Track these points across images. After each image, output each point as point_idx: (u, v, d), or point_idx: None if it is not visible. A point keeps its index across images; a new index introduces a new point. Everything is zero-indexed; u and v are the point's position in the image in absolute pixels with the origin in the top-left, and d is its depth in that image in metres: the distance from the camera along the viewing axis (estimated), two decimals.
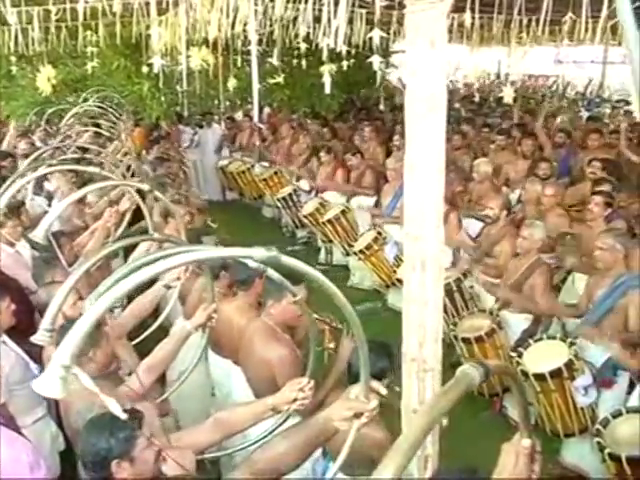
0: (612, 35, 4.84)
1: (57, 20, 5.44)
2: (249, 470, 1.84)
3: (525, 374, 3.87)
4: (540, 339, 4.14)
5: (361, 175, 7.57)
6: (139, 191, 3.99)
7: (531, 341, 4.14)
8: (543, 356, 3.94)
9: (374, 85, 10.00)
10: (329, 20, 3.42)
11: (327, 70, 4.21)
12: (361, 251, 6.38)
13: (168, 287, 3.36)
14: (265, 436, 2.34)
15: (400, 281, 5.29)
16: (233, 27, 4.66)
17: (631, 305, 3.87)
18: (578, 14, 3.88)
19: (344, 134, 9.55)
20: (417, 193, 2.11)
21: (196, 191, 8.58)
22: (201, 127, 10.72)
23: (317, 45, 4.81)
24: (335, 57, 4.98)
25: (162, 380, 3.35)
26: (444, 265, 2.59)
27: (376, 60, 3.75)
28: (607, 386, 3.92)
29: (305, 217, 7.59)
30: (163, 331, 3.52)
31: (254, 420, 2.24)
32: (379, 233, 6.33)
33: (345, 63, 6.38)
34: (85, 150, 5.56)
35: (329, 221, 7.06)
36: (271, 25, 5.85)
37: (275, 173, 8.72)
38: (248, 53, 7.81)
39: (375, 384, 1.80)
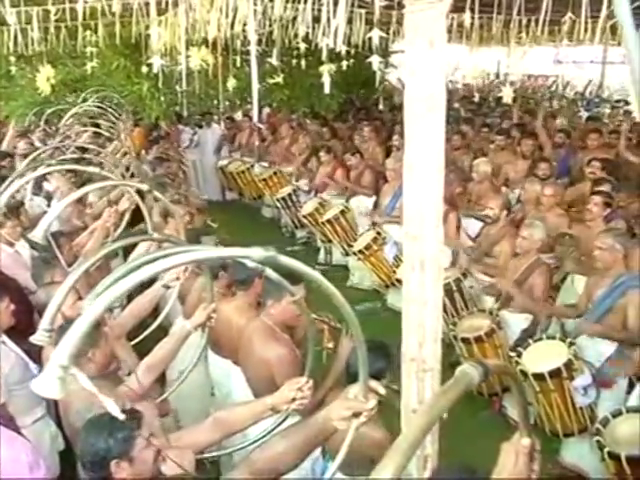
0: (611, 35, 4.84)
1: (56, 20, 5.43)
2: (248, 470, 1.84)
3: (524, 374, 3.87)
4: (539, 339, 4.14)
5: (360, 175, 7.58)
6: (139, 191, 3.98)
7: (530, 341, 4.14)
8: (542, 356, 3.95)
9: (373, 85, 9.98)
10: (328, 20, 3.42)
11: (326, 70, 4.21)
12: (360, 251, 6.38)
13: (167, 287, 3.36)
14: (264, 436, 2.35)
15: (399, 281, 5.29)
16: (232, 27, 4.65)
17: (630, 305, 3.87)
18: (577, 14, 3.88)
19: (343, 134, 9.55)
20: (416, 193, 2.10)
21: (195, 191, 8.58)
22: (200, 127, 10.72)
23: (316, 45, 4.80)
24: (334, 57, 4.98)
25: (162, 380, 3.35)
26: (443, 265, 2.59)
27: (375, 60, 3.75)
28: (606, 386, 3.93)
29: (304, 217, 7.60)
30: (162, 331, 3.52)
31: (253, 420, 2.24)
32: (378, 233, 6.33)
33: (344, 63, 6.38)
34: (84, 150, 5.56)
35: (328, 221, 7.07)
36: (270, 25, 5.84)
37: (274, 173, 8.73)
38: (247, 53, 7.78)
39: (374, 384, 1.80)
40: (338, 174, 7.78)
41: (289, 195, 8.21)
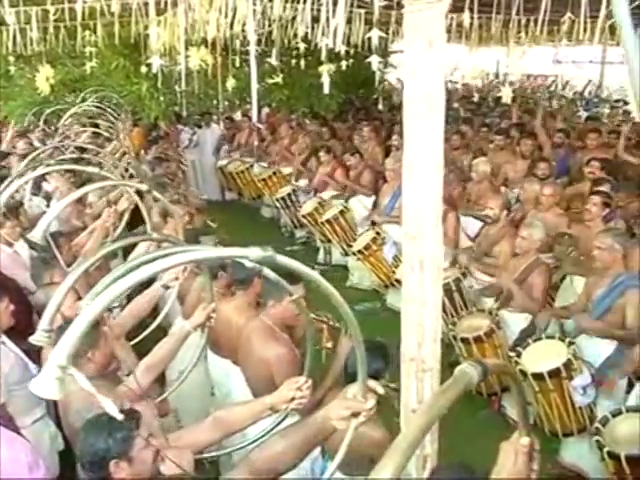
0: (611, 35, 4.85)
1: (55, 20, 5.43)
2: (247, 469, 1.84)
3: (524, 374, 3.87)
4: (539, 339, 4.14)
5: (359, 175, 7.58)
6: (138, 191, 3.98)
7: (530, 341, 4.14)
8: (542, 356, 3.95)
9: (373, 85, 9.99)
10: (328, 20, 3.42)
11: (326, 70, 4.22)
12: (360, 251, 6.38)
13: (166, 287, 3.36)
14: (263, 435, 2.35)
15: (399, 282, 5.30)
16: (232, 27, 4.66)
17: (629, 304, 3.88)
18: (577, 14, 3.87)
19: (343, 134, 9.56)
20: (415, 193, 2.11)
21: (195, 191, 8.58)
22: (200, 127, 10.72)
23: (316, 45, 4.80)
24: (334, 57, 4.99)
25: (162, 380, 3.35)
26: (443, 265, 2.59)
27: (375, 60, 3.75)
28: (606, 385, 3.93)
29: (304, 217, 7.60)
30: (162, 331, 3.52)
31: (252, 419, 2.24)
32: (378, 233, 6.33)
33: (344, 63, 6.39)
34: (83, 150, 5.56)
35: (328, 221, 7.06)
36: (270, 25, 5.85)
37: (274, 173, 8.73)
38: (247, 53, 7.80)
39: (372, 383, 1.80)
40: (337, 174, 7.79)
41: (288, 195, 8.21)
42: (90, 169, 4.53)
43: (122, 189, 4.76)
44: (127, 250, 4.17)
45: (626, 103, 12.48)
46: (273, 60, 6.18)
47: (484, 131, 8.78)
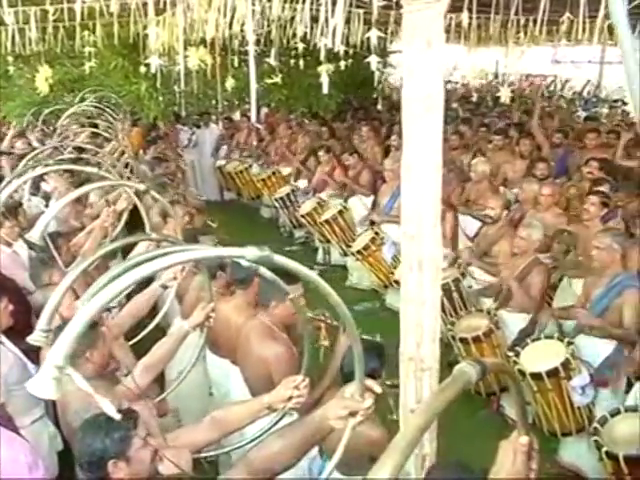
0: (609, 35, 4.84)
1: (54, 20, 5.43)
2: (245, 469, 1.84)
3: (522, 374, 3.87)
4: (537, 339, 4.14)
5: (358, 174, 7.59)
6: (137, 191, 3.98)
7: (528, 340, 4.15)
8: (540, 355, 3.95)
9: (372, 85, 10.00)
10: (326, 20, 3.42)
11: (325, 70, 4.22)
12: (359, 251, 6.38)
13: (165, 287, 3.36)
14: (261, 434, 2.35)
15: (398, 283, 5.29)
16: (231, 27, 4.65)
17: (626, 304, 3.88)
18: (575, 14, 3.88)
19: (342, 134, 9.56)
20: (414, 193, 2.11)
21: (194, 191, 8.58)
22: (199, 127, 10.72)
23: (315, 45, 4.80)
24: (333, 57, 4.98)
25: (161, 380, 3.36)
26: (441, 265, 2.60)
27: (373, 60, 3.75)
28: (605, 385, 3.93)
29: (303, 217, 7.60)
30: (160, 331, 3.52)
31: (250, 418, 2.24)
32: (377, 233, 6.33)
33: (343, 63, 6.39)
34: (82, 150, 5.56)
35: (326, 221, 7.06)
36: (268, 25, 5.84)
37: (273, 173, 8.74)
38: (246, 53, 7.81)
39: (370, 382, 1.80)
40: (336, 173, 7.79)
41: (287, 195, 8.21)
42: (89, 169, 4.53)
43: (121, 189, 4.76)
44: (126, 250, 4.17)
45: (625, 103, 12.50)
46: (272, 60, 6.19)
47: (483, 131, 8.78)
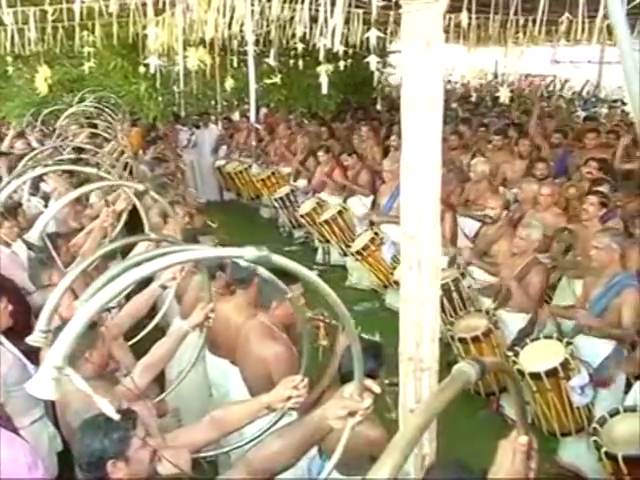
0: (609, 35, 4.84)
1: (54, 20, 5.43)
2: (244, 469, 1.84)
3: (521, 373, 3.87)
4: (537, 338, 4.15)
5: (357, 175, 7.58)
6: (136, 191, 3.98)
7: (528, 340, 4.15)
8: (539, 355, 3.95)
9: (371, 85, 10.00)
10: (326, 20, 3.42)
11: (324, 70, 4.22)
12: (358, 252, 6.38)
13: (164, 287, 3.36)
14: (260, 434, 2.35)
15: (397, 283, 5.29)
16: (230, 27, 4.65)
17: (625, 303, 3.88)
18: (575, 14, 3.88)
19: (341, 134, 9.56)
20: (413, 193, 2.11)
21: (193, 192, 8.58)
22: (198, 127, 10.71)
23: (314, 45, 4.81)
24: (332, 57, 4.98)
25: (161, 380, 3.35)
26: (441, 265, 2.60)
27: (373, 60, 3.75)
28: (604, 385, 3.93)
29: (302, 217, 7.60)
30: (160, 331, 3.52)
31: (249, 418, 2.24)
32: (376, 234, 6.33)
33: (342, 63, 6.39)
34: (81, 150, 5.56)
35: (326, 221, 7.06)
36: (268, 25, 5.85)
37: (272, 173, 8.74)
38: (245, 53, 7.82)
39: (369, 382, 1.80)
40: (336, 174, 7.79)
41: (287, 195, 8.21)
42: (88, 169, 4.53)
43: (120, 189, 4.76)
44: (126, 251, 4.17)
45: (624, 103, 12.50)
46: (271, 60, 6.19)
47: (482, 131, 8.79)
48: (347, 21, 4.94)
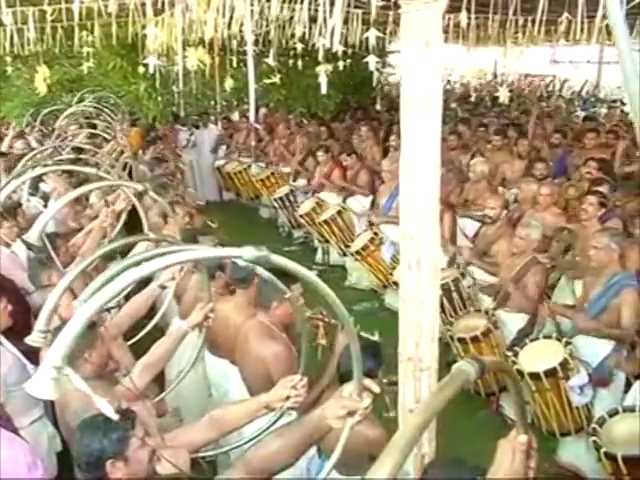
0: (608, 35, 4.84)
1: (53, 20, 5.42)
2: (244, 468, 1.84)
3: (520, 373, 3.88)
4: (536, 338, 4.15)
5: (356, 175, 7.59)
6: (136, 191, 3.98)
7: (527, 340, 4.15)
8: (539, 355, 3.95)
9: (370, 85, 10.01)
10: (325, 20, 3.42)
11: (323, 70, 4.21)
12: (358, 252, 6.38)
13: (163, 287, 3.36)
14: (259, 434, 2.35)
15: (397, 284, 5.30)
16: (229, 27, 4.65)
17: (624, 303, 3.88)
18: (574, 14, 3.88)
19: (340, 134, 9.56)
20: (413, 193, 2.11)
21: (192, 192, 8.58)
22: (197, 127, 10.72)
23: (313, 45, 4.81)
24: (331, 57, 4.98)
25: (161, 380, 3.35)
26: (440, 265, 2.60)
27: (372, 60, 3.75)
28: (603, 385, 3.93)
29: (302, 217, 7.60)
30: (159, 331, 3.52)
31: (248, 418, 2.24)
32: (375, 234, 6.33)
33: (341, 63, 6.39)
34: (81, 150, 5.56)
35: (325, 221, 7.06)
36: (267, 25, 5.84)
37: (272, 173, 8.74)
38: (244, 53, 7.81)
39: (368, 382, 1.80)
40: (335, 174, 7.79)
41: (286, 195, 8.21)
42: (87, 170, 4.53)
43: (120, 189, 4.76)
44: (125, 251, 4.16)
45: (623, 103, 12.50)
46: (271, 60, 6.18)
47: (482, 131, 8.79)
48: (346, 21, 4.94)
